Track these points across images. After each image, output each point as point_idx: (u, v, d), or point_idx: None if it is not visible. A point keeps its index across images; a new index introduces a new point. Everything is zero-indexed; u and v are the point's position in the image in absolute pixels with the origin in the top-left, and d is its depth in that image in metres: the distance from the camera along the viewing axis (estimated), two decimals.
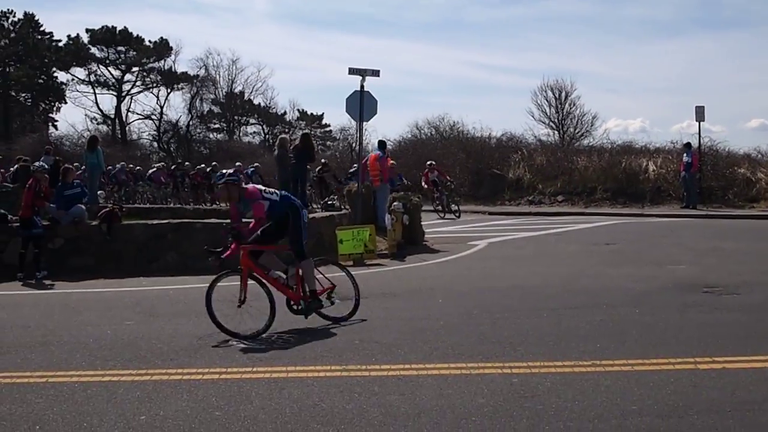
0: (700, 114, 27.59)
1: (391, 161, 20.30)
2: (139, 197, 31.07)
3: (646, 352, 7.02)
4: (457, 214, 24.72)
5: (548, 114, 54.76)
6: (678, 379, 6.18)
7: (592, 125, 53.57)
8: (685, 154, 26.98)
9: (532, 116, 54.96)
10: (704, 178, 27.61)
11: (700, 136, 27.90)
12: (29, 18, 65.53)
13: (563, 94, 54.26)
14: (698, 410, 5.42)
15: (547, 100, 54.61)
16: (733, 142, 75.43)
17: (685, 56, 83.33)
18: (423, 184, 26.43)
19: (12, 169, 24.87)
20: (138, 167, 35.41)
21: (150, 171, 31.70)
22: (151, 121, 66.78)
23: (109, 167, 33.82)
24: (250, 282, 8.22)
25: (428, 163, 27.13)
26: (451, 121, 42.11)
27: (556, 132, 53.32)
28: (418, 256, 14.87)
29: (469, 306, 9.57)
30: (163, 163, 31.65)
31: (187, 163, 33.07)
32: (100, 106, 66.36)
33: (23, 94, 68.10)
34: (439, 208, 25.29)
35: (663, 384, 6.03)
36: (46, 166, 16.01)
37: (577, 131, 53.69)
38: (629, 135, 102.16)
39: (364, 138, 20.86)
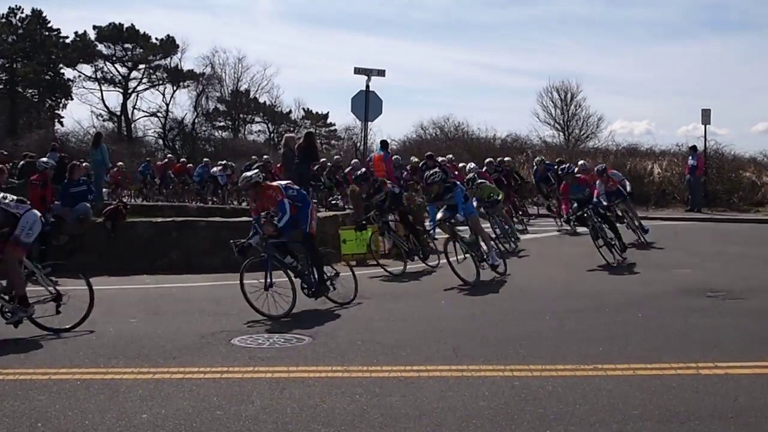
0: (706, 117, 27.45)
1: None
2: None
3: (648, 357, 7.01)
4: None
5: (553, 115, 54.59)
6: (680, 384, 6.16)
7: (597, 127, 53.29)
8: (690, 157, 26.86)
9: (537, 117, 54.70)
10: (709, 182, 27.48)
11: (705, 139, 27.82)
12: (36, 14, 65.45)
13: (569, 95, 54.09)
14: (700, 416, 5.41)
15: (552, 102, 54.45)
16: (738, 146, 74.57)
17: (691, 59, 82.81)
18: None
19: (18, 165, 24.83)
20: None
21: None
22: (156, 119, 66.73)
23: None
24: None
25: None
26: (456, 122, 42.00)
27: (561, 133, 53.17)
28: None
29: (471, 308, 9.57)
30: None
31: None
32: (106, 103, 66.21)
33: (30, 91, 67.96)
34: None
35: (665, 389, 6.01)
36: (53, 163, 15.97)
37: (582, 133, 53.47)
38: (635, 137, 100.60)
39: (368, 138, 20.78)
